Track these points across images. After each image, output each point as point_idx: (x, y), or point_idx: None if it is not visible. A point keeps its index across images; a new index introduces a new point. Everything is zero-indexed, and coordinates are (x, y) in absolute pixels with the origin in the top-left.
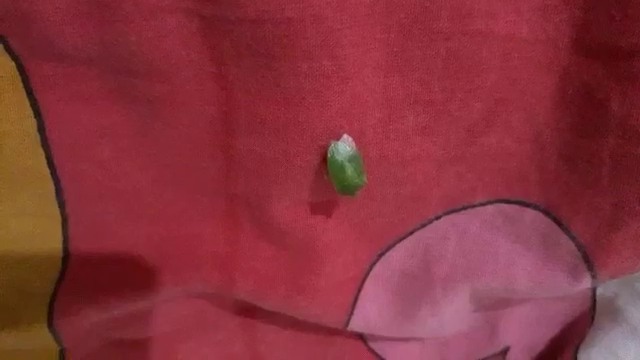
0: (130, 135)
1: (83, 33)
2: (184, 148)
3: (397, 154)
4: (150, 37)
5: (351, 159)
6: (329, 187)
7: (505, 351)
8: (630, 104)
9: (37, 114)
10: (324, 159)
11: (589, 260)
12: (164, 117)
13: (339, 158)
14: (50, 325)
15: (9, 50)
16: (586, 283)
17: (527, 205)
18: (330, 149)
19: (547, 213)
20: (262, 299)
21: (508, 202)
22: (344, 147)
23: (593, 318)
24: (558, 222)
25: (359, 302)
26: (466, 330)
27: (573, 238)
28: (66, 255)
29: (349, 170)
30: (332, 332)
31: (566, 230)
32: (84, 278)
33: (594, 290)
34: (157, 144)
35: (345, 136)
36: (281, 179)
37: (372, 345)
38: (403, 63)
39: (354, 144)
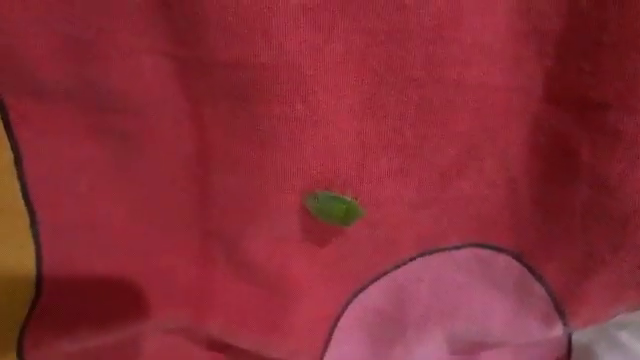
0: (106, 169)
1: (62, 69)
2: (159, 183)
3: (371, 196)
4: (127, 75)
5: (330, 200)
6: (302, 226)
7: None
8: (599, 154)
9: (14, 147)
10: (298, 199)
11: (561, 309)
12: (140, 153)
13: (321, 207)
14: (19, 355)
15: None
16: (558, 331)
17: (500, 250)
18: (310, 207)
19: (520, 259)
20: (234, 337)
21: (482, 246)
22: (314, 199)
23: None
24: (531, 269)
25: (332, 342)
26: None
27: (545, 285)
28: (39, 283)
29: (337, 210)
30: None
31: (539, 277)
32: (56, 309)
33: (570, 336)
34: (133, 179)
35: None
36: (255, 217)
37: None
38: (376, 109)
39: (319, 191)
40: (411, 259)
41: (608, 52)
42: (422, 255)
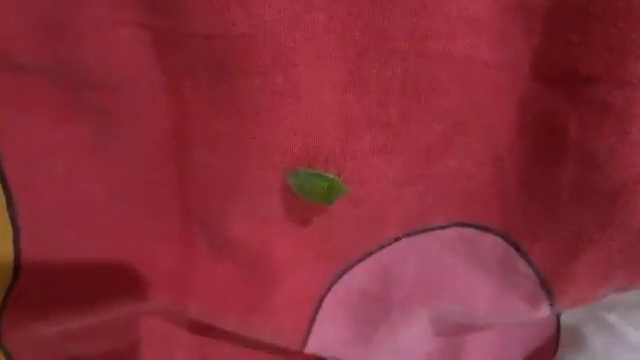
0: (83, 148)
1: (36, 46)
2: (138, 162)
3: (354, 173)
4: (103, 50)
5: (311, 177)
6: (284, 205)
7: None
8: (587, 130)
9: None
10: (280, 177)
11: (548, 288)
12: (118, 130)
13: (302, 184)
14: None
15: None
16: (544, 311)
17: (487, 230)
18: (291, 184)
19: (506, 238)
20: (216, 318)
21: (467, 226)
22: (295, 176)
23: (558, 345)
24: (517, 248)
25: (316, 323)
26: (426, 357)
27: (532, 265)
28: (17, 266)
29: (319, 187)
30: (290, 356)
31: (525, 257)
32: (34, 292)
33: (559, 317)
34: (111, 158)
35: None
36: (236, 195)
37: None
38: (359, 82)
39: (301, 168)
40: (396, 239)
41: (596, 23)
42: (407, 235)
